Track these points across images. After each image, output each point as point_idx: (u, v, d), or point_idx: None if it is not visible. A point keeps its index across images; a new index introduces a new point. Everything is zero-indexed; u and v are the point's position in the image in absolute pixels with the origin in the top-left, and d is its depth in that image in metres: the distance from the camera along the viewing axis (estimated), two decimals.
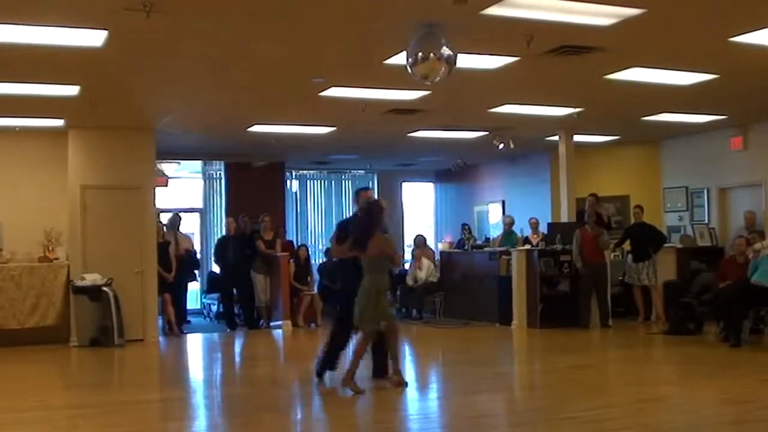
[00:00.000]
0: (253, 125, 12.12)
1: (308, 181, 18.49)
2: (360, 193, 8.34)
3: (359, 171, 18.83)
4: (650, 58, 8.58)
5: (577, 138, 13.42)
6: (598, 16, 6.89)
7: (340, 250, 7.81)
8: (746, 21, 7.24)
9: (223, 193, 16.85)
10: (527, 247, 12.96)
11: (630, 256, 12.59)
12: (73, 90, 9.23)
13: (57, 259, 11.42)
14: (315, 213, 18.47)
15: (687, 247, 13.30)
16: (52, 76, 8.64)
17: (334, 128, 12.45)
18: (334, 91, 9.64)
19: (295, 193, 18.30)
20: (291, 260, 13.64)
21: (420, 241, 15.14)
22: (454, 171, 17.16)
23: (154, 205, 12.14)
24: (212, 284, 14.90)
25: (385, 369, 7.74)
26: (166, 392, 8.17)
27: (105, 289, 11.09)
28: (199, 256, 15.15)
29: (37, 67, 8.16)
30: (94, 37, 7.10)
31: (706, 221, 13.79)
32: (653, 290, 12.51)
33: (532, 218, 14.00)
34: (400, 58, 7.42)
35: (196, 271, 14.62)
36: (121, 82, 9.09)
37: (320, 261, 16.57)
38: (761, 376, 8.13)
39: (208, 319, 15.20)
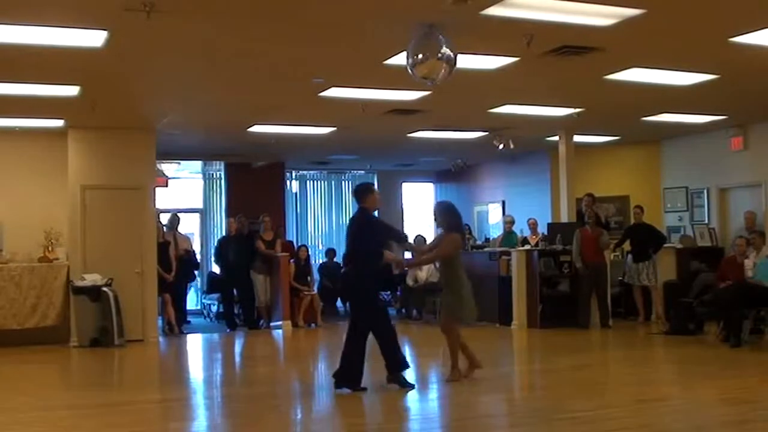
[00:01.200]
0: (253, 125, 12.12)
1: (308, 181, 18.49)
2: (372, 189, 7.65)
3: (359, 171, 18.83)
4: (650, 58, 8.57)
5: (577, 138, 13.42)
6: (598, 17, 6.89)
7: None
8: (746, 21, 7.25)
9: (223, 193, 16.87)
10: (527, 247, 12.96)
11: (630, 257, 12.59)
12: (73, 90, 9.23)
13: (57, 259, 11.42)
14: (315, 213, 18.47)
15: (687, 248, 13.31)
16: (52, 76, 8.63)
17: (334, 128, 12.44)
18: (334, 91, 9.64)
19: (295, 193, 18.30)
20: (291, 260, 13.64)
21: (420, 242, 15.11)
22: (454, 171, 17.15)
23: (154, 205, 12.14)
24: (212, 284, 14.91)
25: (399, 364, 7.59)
26: (166, 392, 8.16)
27: (105, 289, 11.09)
28: (198, 256, 15.16)
29: (37, 67, 8.16)
30: (94, 37, 7.10)
31: (706, 221, 13.79)
32: (653, 290, 12.52)
33: (530, 219, 13.99)
34: (400, 59, 7.42)
35: (196, 272, 14.63)
36: (121, 82, 9.09)
37: (320, 261, 16.58)
38: (762, 377, 8.14)
39: (208, 319, 15.20)
